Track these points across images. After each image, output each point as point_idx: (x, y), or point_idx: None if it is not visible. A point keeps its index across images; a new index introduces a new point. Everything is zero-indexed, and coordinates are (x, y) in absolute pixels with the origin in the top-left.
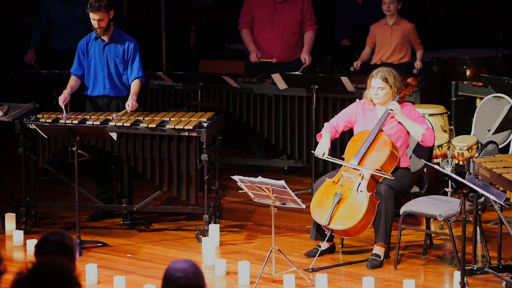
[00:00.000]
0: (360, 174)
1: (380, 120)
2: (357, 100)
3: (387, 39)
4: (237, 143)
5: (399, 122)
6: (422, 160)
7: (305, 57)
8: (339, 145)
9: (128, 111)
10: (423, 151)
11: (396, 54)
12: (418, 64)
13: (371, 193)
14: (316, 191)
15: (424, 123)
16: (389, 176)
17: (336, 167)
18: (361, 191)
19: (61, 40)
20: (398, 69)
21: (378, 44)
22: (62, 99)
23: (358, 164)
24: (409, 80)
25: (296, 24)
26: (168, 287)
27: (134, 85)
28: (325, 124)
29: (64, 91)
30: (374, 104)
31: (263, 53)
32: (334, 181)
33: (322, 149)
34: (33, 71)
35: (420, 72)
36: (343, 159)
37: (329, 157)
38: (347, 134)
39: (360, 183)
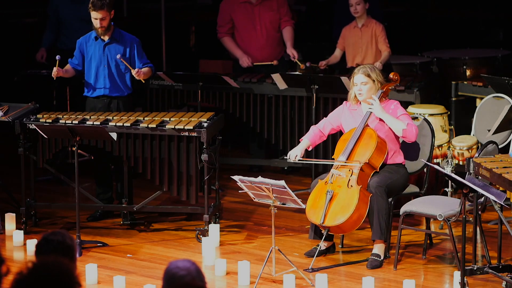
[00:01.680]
0: (349, 170)
1: (365, 117)
2: (344, 102)
3: (358, 41)
4: (237, 143)
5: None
6: (422, 160)
7: (292, 52)
8: (330, 146)
9: (135, 75)
10: (423, 151)
11: (370, 56)
12: (377, 64)
13: (361, 186)
14: (310, 193)
15: (407, 120)
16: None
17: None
18: (351, 186)
19: (69, 39)
20: None
21: (350, 47)
22: (55, 71)
23: (347, 160)
24: (390, 75)
25: (277, 22)
26: (171, 286)
27: (145, 68)
28: (311, 127)
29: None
30: (359, 102)
31: (252, 58)
32: (325, 181)
33: (294, 153)
34: (33, 71)
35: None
36: (333, 159)
37: (301, 159)
38: (339, 135)
39: (350, 179)
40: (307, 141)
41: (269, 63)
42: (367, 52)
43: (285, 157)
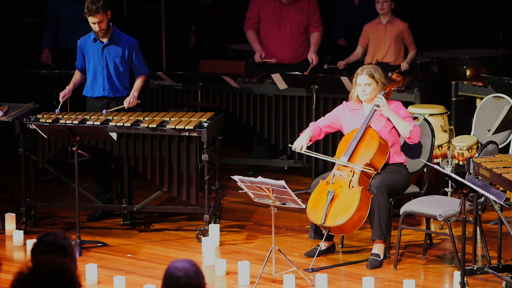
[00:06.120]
0: (351, 171)
1: (367, 117)
2: (344, 102)
3: (381, 38)
4: (237, 143)
5: (387, 118)
6: (422, 160)
7: (312, 57)
8: (330, 146)
9: (125, 107)
10: (423, 151)
11: (391, 54)
12: (404, 65)
13: (362, 187)
14: (311, 193)
15: (412, 121)
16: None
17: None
18: (352, 187)
19: (67, 39)
20: (394, 70)
21: (372, 44)
22: (62, 95)
23: (348, 161)
24: (393, 76)
25: (303, 25)
26: (169, 287)
27: (138, 81)
28: (311, 123)
29: (66, 86)
30: (361, 102)
31: (271, 55)
32: (327, 182)
33: (300, 143)
34: (33, 71)
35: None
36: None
37: (307, 151)
38: (339, 135)
39: (351, 179)
40: (309, 132)
41: (269, 60)
42: (389, 50)
43: (290, 146)
